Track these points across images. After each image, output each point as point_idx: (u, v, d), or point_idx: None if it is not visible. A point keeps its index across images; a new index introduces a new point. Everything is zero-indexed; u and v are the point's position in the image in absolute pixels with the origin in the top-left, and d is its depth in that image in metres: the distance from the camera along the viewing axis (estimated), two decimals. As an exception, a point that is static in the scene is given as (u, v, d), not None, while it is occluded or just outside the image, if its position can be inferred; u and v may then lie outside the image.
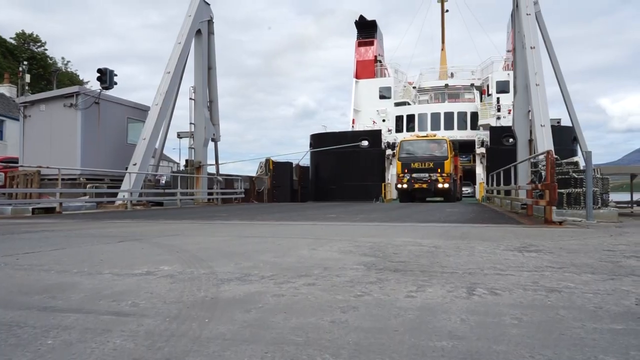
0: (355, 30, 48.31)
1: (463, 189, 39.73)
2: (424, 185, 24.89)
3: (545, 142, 14.74)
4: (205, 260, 3.83)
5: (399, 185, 25.76)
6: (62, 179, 16.89)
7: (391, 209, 13.68)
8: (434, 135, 29.42)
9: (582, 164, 12.00)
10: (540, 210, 8.80)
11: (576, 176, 9.90)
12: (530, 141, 18.57)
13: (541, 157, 13.53)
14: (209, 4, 23.49)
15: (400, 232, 6.73)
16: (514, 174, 17.85)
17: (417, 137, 27.99)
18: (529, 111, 18.41)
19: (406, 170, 25.42)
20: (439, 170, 24.79)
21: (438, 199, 26.12)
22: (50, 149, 17.91)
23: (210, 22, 23.74)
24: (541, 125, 15.10)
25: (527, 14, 17.36)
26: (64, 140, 17.84)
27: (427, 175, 25.03)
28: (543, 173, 11.48)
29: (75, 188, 16.57)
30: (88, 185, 16.79)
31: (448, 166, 25.12)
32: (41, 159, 17.84)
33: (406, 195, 25.92)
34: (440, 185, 24.60)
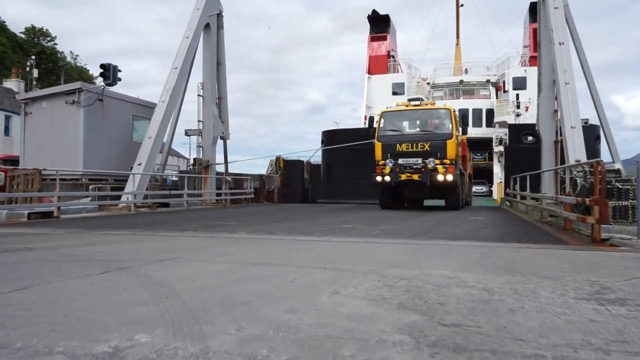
0: (367, 25, 47.22)
1: (476, 188, 38.59)
2: (415, 177, 15.74)
3: (576, 146, 13.71)
4: (198, 319, 2.95)
5: (378, 178, 16.34)
6: (64, 179, 16.16)
7: (408, 217, 12.71)
8: (433, 103, 19.49)
9: (622, 171, 10.98)
10: (583, 224, 7.84)
11: (620, 186, 8.89)
12: (556, 142, 17.51)
13: (576, 163, 12.52)
14: (218, -4, 22.58)
15: (432, 256, 5.80)
16: (543, 179, 16.86)
17: (407, 105, 17.75)
18: (556, 110, 17.36)
19: (389, 156, 16.29)
20: (437, 155, 15.78)
21: (436, 202, 18.72)
22: (52, 147, 17.18)
23: (219, 15, 22.86)
24: (572, 127, 14.05)
25: (555, 8, 16.27)
26: (65, 139, 17.09)
27: (420, 161, 15.88)
28: (579, 181, 10.48)
29: (77, 189, 15.82)
30: (91, 186, 16.03)
31: (452, 149, 15.88)
32: (42, 158, 17.13)
33: (388, 195, 17.40)
34: (440, 178, 15.51)
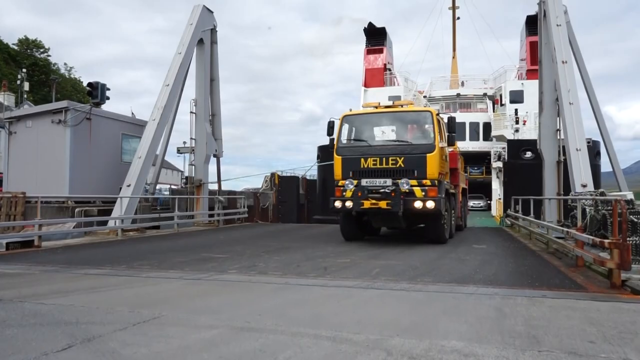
0: (364, 37, 46.89)
1: (473, 202, 38.02)
2: (383, 204, 11.56)
3: (582, 169, 13.22)
4: None
5: (337, 204, 12.19)
6: (48, 202, 15.51)
7: (407, 247, 12.08)
8: (410, 103, 14.87)
9: (634, 201, 10.44)
10: (594, 257, 7.25)
11: (635, 219, 8.34)
12: (559, 163, 17.03)
13: (589, 192, 12.00)
14: (212, 12, 22.08)
15: (440, 314, 5.20)
16: (547, 203, 16.26)
17: (376, 106, 13.40)
18: (558, 130, 16.89)
19: (352, 174, 12.21)
20: (414, 174, 11.71)
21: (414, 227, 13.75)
22: (37, 168, 16.53)
23: (213, 30, 22.34)
24: (577, 150, 13.58)
25: (557, 25, 15.84)
26: (51, 159, 16.44)
27: (389, 182, 11.77)
28: (588, 210, 9.93)
29: (62, 213, 15.15)
30: (77, 209, 15.36)
31: (434, 164, 11.74)
32: (27, 180, 16.48)
33: (352, 224, 13.31)
34: (418, 205, 11.44)
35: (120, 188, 16.28)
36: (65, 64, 75.57)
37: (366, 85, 44.91)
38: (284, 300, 5.99)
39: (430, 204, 11.41)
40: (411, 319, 5.04)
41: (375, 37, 46.25)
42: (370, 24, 47.23)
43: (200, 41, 21.14)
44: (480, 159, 40.17)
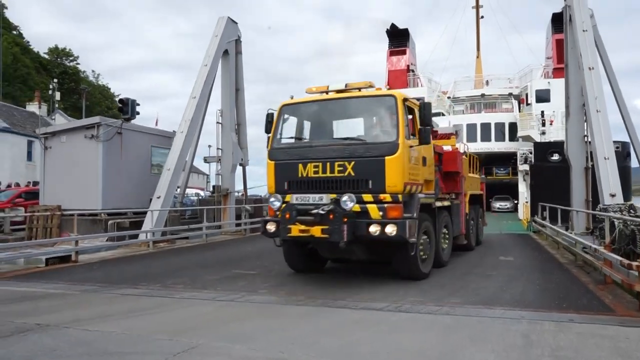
0: (385, 36, 46.76)
1: (500, 204, 37.57)
2: (316, 231, 8.11)
3: (610, 179, 13.10)
4: None
5: (268, 227, 9.01)
6: (82, 215, 16.07)
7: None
8: (369, 86, 9.34)
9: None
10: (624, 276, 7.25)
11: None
12: (587, 169, 16.84)
13: (612, 202, 11.93)
14: (236, 23, 22.45)
15: (467, 343, 5.31)
16: (574, 213, 16.02)
17: (326, 89, 9.58)
18: (585, 136, 16.70)
19: (288, 185, 9.10)
20: (369, 185, 8.39)
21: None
22: (71, 181, 17.12)
23: (237, 41, 22.71)
24: (605, 158, 13.43)
25: (583, 30, 15.65)
26: (85, 173, 17.04)
27: (325, 201, 8.42)
28: (617, 223, 9.85)
29: (95, 225, 15.72)
30: (109, 222, 15.88)
31: (398, 171, 8.35)
32: (62, 192, 17.10)
33: (295, 252, 10.00)
34: (374, 230, 8.07)
35: (151, 199, 16.75)
36: (93, 71, 77.31)
37: (389, 86, 44.84)
38: (316, 332, 6.07)
39: (390, 229, 7.84)
40: (439, 348, 5.17)
41: (398, 38, 46.12)
42: (392, 25, 47.13)
43: (225, 52, 21.52)
44: (506, 160, 39.70)
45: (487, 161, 42.74)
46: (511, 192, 38.81)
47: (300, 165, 8.79)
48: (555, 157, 25.74)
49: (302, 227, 8.17)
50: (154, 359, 4.88)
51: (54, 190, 17.38)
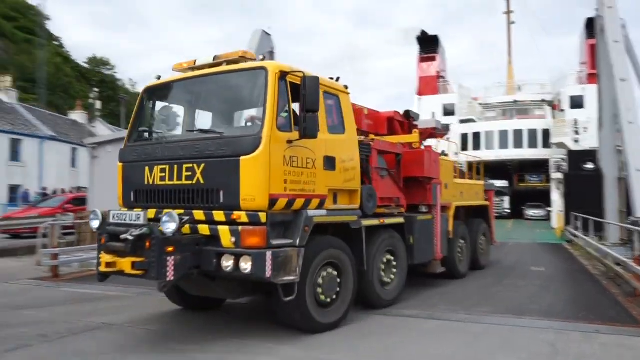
0: (414, 40, 46.92)
1: (533, 212, 37.16)
2: (124, 264, 5.60)
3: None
4: None
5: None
6: (128, 222, 16.94)
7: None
8: (243, 56, 6.51)
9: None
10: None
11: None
12: (620, 180, 16.86)
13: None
14: (269, 35, 23.22)
15: (495, 349, 5.73)
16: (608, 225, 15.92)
17: (191, 64, 6.92)
18: (618, 146, 16.73)
19: (134, 199, 6.74)
20: (220, 198, 5.80)
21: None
22: (116, 189, 18.03)
23: (272, 52, 23.44)
24: (637, 170, 13.51)
25: (614, 41, 15.74)
26: (129, 181, 17.91)
27: (141, 220, 5.74)
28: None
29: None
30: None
31: (260, 176, 5.64)
32: (108, 200, 17.98)
33: (177, 294, 7.35)
34: (227, 264, 5.58)
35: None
36: (130, 79, 79.95)
37: (420, 93, 44.94)
38: (350, 330, 6.65)
39: (244, 264, 5.50)
40: (468, 354, 5.60)
41: (428, 44, 46.22)
42: (422, 32, 47.33)
43: (261, 64, 22.25)
44: (539, 167, 39.38)
45: (520, 168, 42.51)
46: (544, 199, 38.47)
47: (147, 169, 6.46)
48: (590, 166, 25.53)
49: (109, 257, 5.81)
50: (214, 357, 5.47)
51: (100, 198, 18.33)
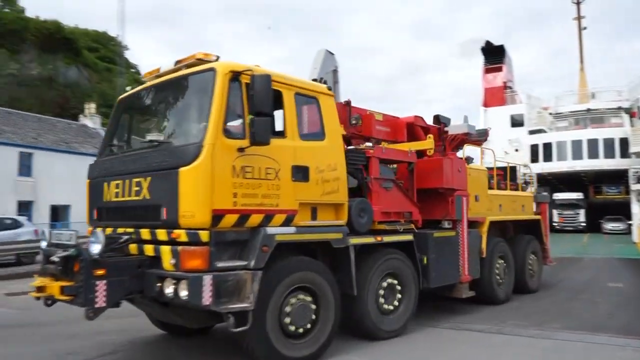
0: (477, 50, 46.03)
1: (612, 225, 35.07)
2: (54, 290, 5.15)
3: None
4: None
5: None
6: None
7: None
8: (202, 59, 5.76)
9: None
10: None
11: None
12: None
13: None
14: (333, 54, 23.71)
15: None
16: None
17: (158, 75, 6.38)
18: None
19: (96, 216, 6.27)
20: (162, 214, 5.19)
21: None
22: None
23: (335, 71, 23.89)
24: None
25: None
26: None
27: (72, 241, 5.50)
28: None
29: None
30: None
31: (200, 189, 5.01)
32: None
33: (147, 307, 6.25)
34: (169, 290, 4.96)
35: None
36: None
37: (486, 104, 43.98)
38: (424, 344, 6.75)
39: (183, 291, 4.87)
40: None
41: (494, 55, 45.22)
42: (487, 42, 46.44)
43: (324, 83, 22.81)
44: (617, 178, 37.27)
45: (596, 179, 40.40)
46: (624, 211, 36.28)
47: (105, 185, 6.07)
48: (673, 175, 23.99)
49: (40, 281, 5.42)
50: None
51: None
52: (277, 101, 5.72)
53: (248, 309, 4.98)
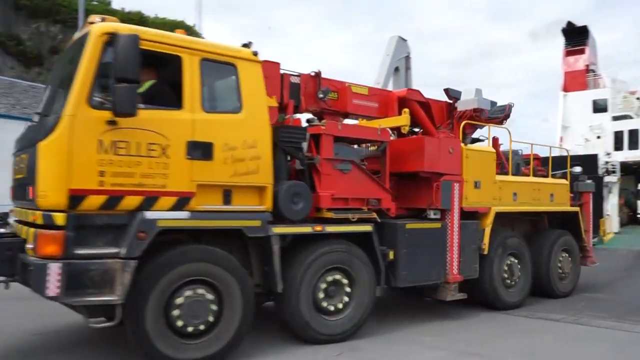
0: (556, 32, 43.82)
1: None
2: None
3: None
4: None
5: None
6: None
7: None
8: (91, 20, 5.01)
9: None
10: None
11: None
12: None
13: None
14: (405, 40, 23.64)
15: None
16: None
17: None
18: None
19: (11, 195, 5.77)
20: (27, 193, 4.85)
21: None
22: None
23: (407, 57, 23.87)
24: None
25: None
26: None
27: None
28: None
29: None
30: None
31: (55, 166, 4.50)
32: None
33: None
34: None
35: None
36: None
37: (565, 89, 41.93)
38: (494, 330, 6.99)
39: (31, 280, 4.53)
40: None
41: (576, 37, 42.85)
42: (569, 23, 44.06)
43: (396, 69, 22.86)
44: None
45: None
46: None
47: (14, 160, 5.74)
48: None
49: None
50: None
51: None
52: (177, 67, 5.16)
53: (115, 302, 4.45)
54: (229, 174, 5.20)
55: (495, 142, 8.62)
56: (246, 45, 5.61)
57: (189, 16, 63.88)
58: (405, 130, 7.45)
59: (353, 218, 6.15)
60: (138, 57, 4.53)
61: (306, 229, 5.81)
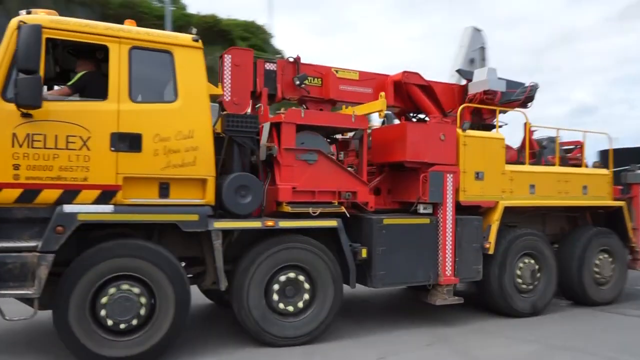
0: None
1: None
2: None
3: None
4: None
5: None
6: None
7: None
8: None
9: None
10: None
11: None
12: None
13: None
14: (480, 30, 23.00)
15: None
16: None
17: None
18: None
19: None
20: None
21: None
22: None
23: (482, 48, 23.24)
24: None
25: None
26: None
27: None
28: None
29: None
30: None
31: None
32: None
33: None
34: None
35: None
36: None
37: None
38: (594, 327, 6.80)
39: None
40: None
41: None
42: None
43: (471, 61, 22.30)
44: None
45: None
46: None
47: None
48: None
49: None
50: None
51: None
52: (103, 56, 5.12)
53: (31, 296, 4.40)
54: (161, 166, 4.98)
55: (528, 128, 7.56)
56: (193, 33, 5.36)
57: (261, 15, 65.67)
58: (381, 116, 6.95)
59: (314, 212, 5.60)
60: (39, 46, 4.40)
61: (255, 224, 5.37)
